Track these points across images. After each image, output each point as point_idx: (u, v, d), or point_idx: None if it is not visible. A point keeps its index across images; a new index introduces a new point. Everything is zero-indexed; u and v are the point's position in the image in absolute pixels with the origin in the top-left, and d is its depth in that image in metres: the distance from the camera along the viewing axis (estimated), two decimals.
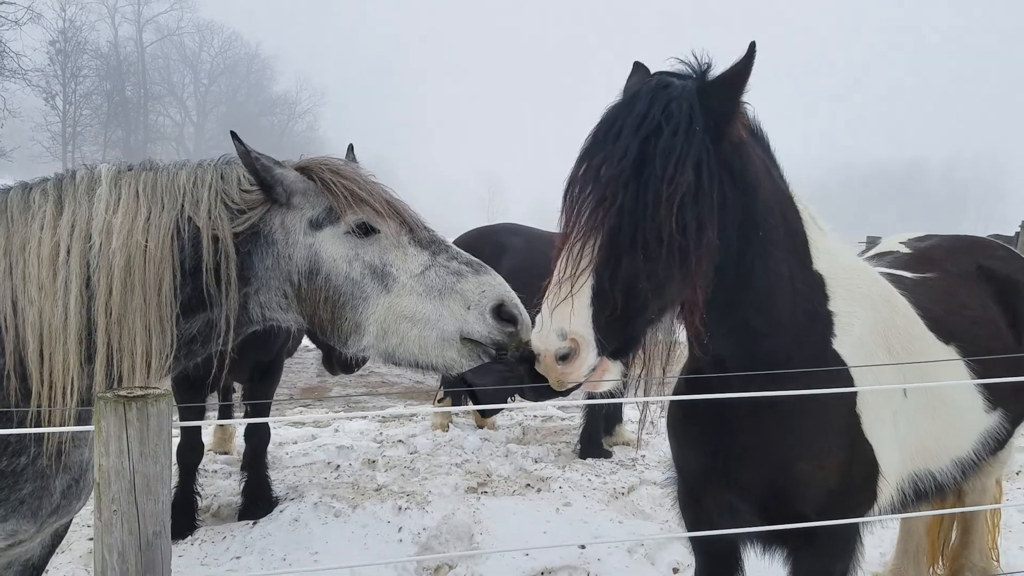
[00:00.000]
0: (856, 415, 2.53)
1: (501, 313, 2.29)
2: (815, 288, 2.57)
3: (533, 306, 7.36)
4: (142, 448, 1.72)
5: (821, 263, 2.60)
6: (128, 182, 2.33)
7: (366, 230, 2.36)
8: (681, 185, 2.06)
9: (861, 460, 2.54)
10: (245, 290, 2.40)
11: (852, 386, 2.52)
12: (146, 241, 2.24)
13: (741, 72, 2.15)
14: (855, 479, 2.54)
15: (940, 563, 4.51)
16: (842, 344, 2.57)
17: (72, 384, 2.21)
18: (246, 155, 2.34)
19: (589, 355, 2.06)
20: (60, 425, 2.21)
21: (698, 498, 2.81)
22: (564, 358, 2.06)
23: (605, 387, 2.19)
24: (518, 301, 2.34)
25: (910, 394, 2.71)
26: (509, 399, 2.36)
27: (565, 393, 2.21)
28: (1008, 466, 5.53)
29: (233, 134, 2.36)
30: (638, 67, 2.43)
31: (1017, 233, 9.18)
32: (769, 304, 2.41)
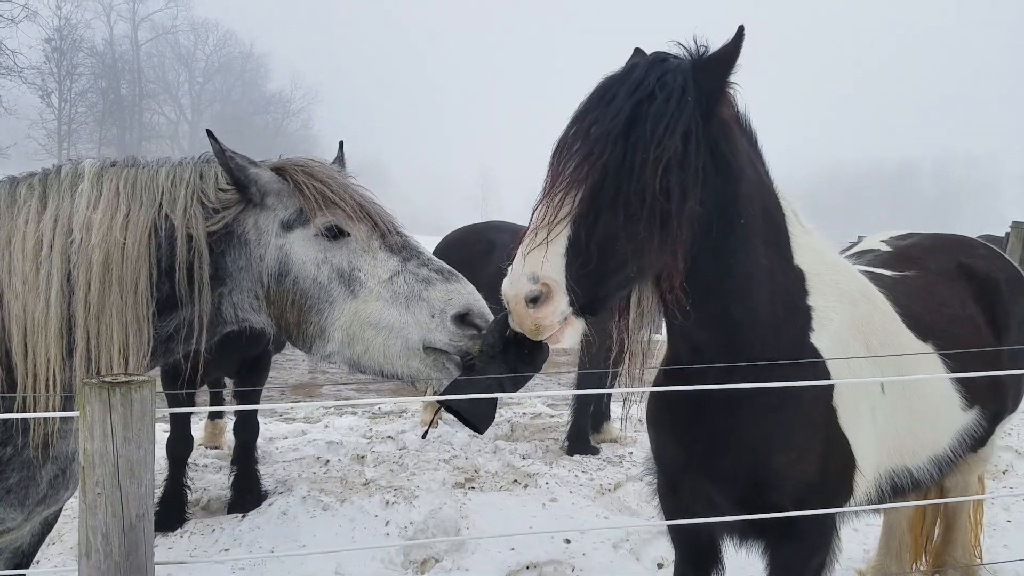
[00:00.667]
0: (833, 409, 2.56)
1: (465, 320, 2.27)
2: (795, 283, 2.61)
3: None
4: (126, 433, 1.76)
5: (802, 258, 2.64)
6: (110, 179, 2.34)
7: (336, 233, 2.34)
8: (668, 149, 2.11)
9: (838, 454, 2.57)
10: (220, 290, 2.40)
11: (828, 379, 2.55)
12: (124, 239, 2.25)
13: (731, 52, 2.22)
14: (831, 472, 2.57)
15: (923, 559, 4.55)
16: (820, 338, 2.60)
17: (55, 377, 2.22)
18: (221, 154, 2.33)
19: (562, 301, 2.07)
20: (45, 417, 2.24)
21: (676, 489, 2.84)
22: (535, 300, 2.05)
23: (567, 343, 2.21)
24: (486, 310, 2.32)
25: (887, 390, 2.74)
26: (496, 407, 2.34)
27: (539, 363, 2.20)
28: (991, 464, 5.59)
29: (209, 132, 2.36)
30: (637, 52, 2.48)
31: (1007, 233, 9.24)
32: (749, 294, 2.44)
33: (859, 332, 2.72)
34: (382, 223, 2.39)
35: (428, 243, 7.91)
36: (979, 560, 4.51)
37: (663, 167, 2.09)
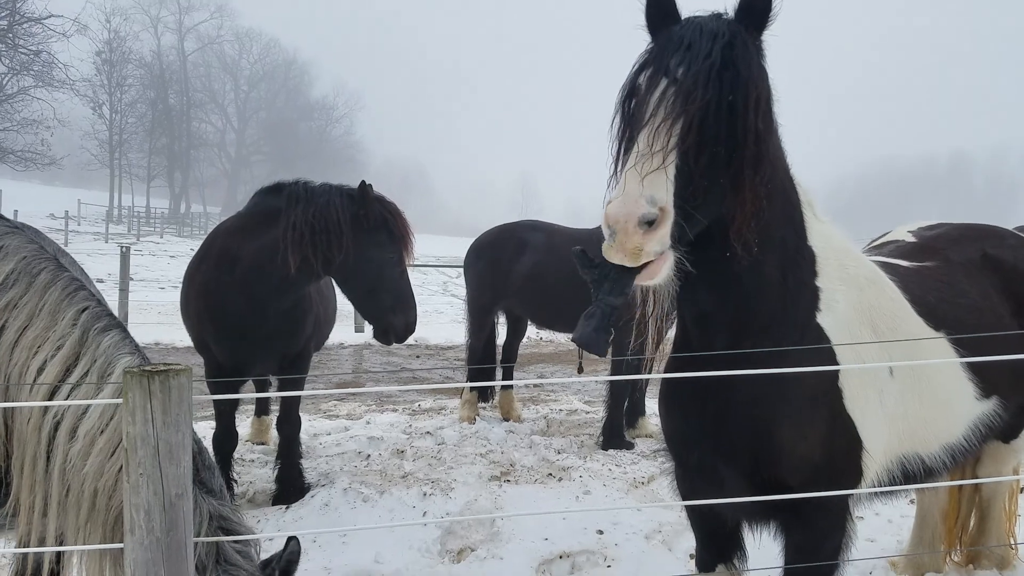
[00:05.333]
0: (838, 389, 2.58)
1: None
2: (806, 261, 2.64)
3: (551, 309, 7.40)
4: (165, 417, 1.91)
5: (815, 240, 2.68)
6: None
7: None
8: (764, 91, 2.21)
9: (843, 434, 2.58)
10: None
11: (833, 359, 2.57)
12: (112, 490, 2.28)
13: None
14: (837, 452, 2.58)
15: (957, 550, 4.53)
16: (826, 319, 2.63)
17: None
18: None
19: (669, 229, 2.06)
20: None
21: (686, 467, 2.86)
22: (650, 224, 2.03)
23: (662, 278, 2.17)
24: None
25: (896, 376, 2.76)
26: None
27: (631, 278, 2.16)
28: None
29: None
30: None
31: None
32: (762, 260, 2.45)
33: (866, 316, 2.74)
34: None
35: (467, 244, 8.06)
36: (1014, 551, 4.47)
37: (763, 108, 2.19)
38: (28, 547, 2.38)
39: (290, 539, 2.48)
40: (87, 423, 2.29)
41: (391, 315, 4.97)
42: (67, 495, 2.30)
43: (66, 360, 2.40)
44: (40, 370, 2.39)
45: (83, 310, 2.51)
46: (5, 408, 2.38)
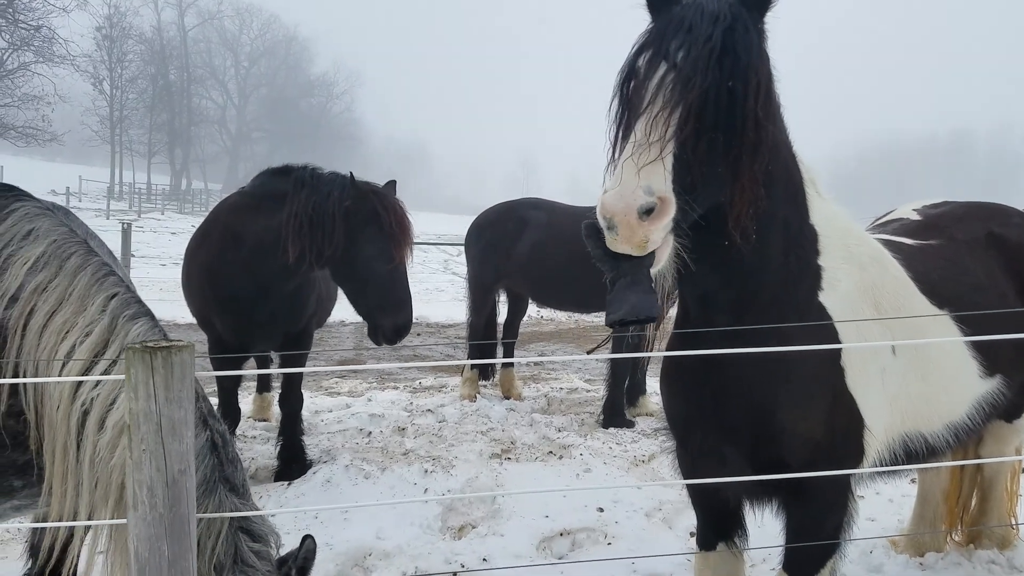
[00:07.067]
0: (840, 368, 2.58)
1: None
2: (808, 240, 2.64)
3: (552, 288, 7.37)
4: (167, 393, 1.90)
5: (817, 219, 2.67)
6: None
7: None
8: (764, 76, 2.19)
9: (844, 413, 2.58)
10: None
11: (836, 338, 2.57)
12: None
13: None
14: (838, 431, 2.58)
15: (958, 529, 4.54)
16: (828, 298, 2.62)
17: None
18: None
19: (670, 216, 2.06)
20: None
21: (688, 446, 2.86)
22: (648, 212, 2.03)
23: (662, 263, 2.17)
24: None
25: (899, 354, 2.75)
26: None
27: (645, 265, 2.14)
28: None
29: None
30: None
31: None
32: (765, 242, 2.44)
33: (869, 295, 2.73)
34: None
35: (468, 222, 8.04)
36: (1015, 532, 4.49)
37: (763, 94, 2.17)
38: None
39: (305, 538, 2.48)
40: (115, 414, 2.25)
41: (380, 315, 4.81)
42: (96, 486, 2.28)
43: (95, 347, 2.37)
44: (69, 355, 2.36)
45: (112, 296, 2.47)
46: (35, 394, 2.36)
